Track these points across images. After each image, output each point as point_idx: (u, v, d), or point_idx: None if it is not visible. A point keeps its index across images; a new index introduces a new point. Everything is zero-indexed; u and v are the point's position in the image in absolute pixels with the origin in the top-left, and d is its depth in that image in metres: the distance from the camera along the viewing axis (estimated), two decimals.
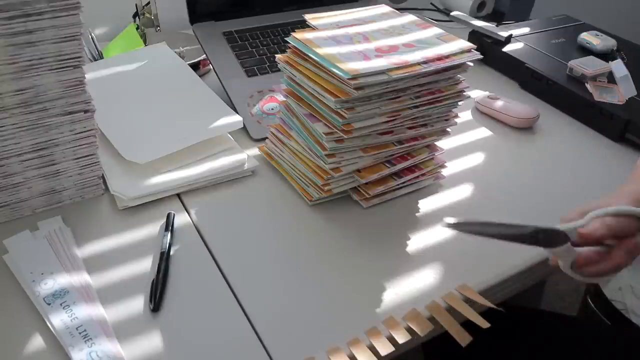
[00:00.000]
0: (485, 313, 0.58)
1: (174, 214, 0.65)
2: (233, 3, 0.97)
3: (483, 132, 0.87)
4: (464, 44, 0.67)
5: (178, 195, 0.70)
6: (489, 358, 0.71)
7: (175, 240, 0.63)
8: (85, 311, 0.53)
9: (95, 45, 0.92)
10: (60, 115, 0.61)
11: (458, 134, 0.84)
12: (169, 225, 0.63)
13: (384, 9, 0.75)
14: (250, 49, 0.91)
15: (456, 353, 0.75)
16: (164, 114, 0.77)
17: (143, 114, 0.77)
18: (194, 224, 0.66)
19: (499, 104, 0.90)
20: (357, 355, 0.51)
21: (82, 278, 0.57)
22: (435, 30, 0.69)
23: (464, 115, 0.90)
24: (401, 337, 0.53)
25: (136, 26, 0.99)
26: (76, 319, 0.52)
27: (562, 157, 0.83)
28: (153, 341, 0.52)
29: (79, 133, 0.63)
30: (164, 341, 0.52)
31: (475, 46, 0.67)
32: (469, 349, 0.62)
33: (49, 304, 0.53)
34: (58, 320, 0.52)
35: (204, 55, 0.92)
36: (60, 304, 0.53)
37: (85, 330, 0.51)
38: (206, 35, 0.91)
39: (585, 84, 0.91)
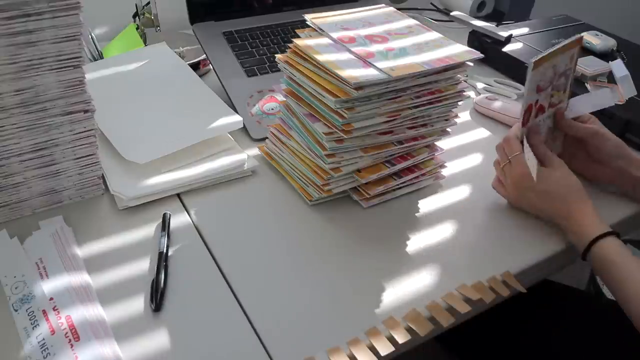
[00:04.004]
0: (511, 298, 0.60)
1: (169, 215, 0.65)
2: (233, 3, 0.97)
3: (482, 133, 0.87)
4: (464, 47, 0.67)
5: (178, 195, 0.70)
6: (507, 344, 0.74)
7: (175, 240, 0.63)
8: (78, 312, 0.53)
9: (95, 45, 0.92)
10: (60, 115, 0.61)
11: (458, 134, 0.84)
12: (165, 226, 0.63)
13: (387, 9, 0.75)
14: (250, 49, 0.91)
15: (471, 342, 0.78)
16: (164, 114, 0.77)
17: (143, 114, 0.77)
18: (194, 224, 0.66)
19: (497, 104, 0.90)
20: (357, 355, 0.51)
21: (82, 278, 0.57)
22: (435, 34, 0.70)
23: (463, 116, 0.90)
24: (401, 337, 0.53)
25: (136, 26, 0.99)
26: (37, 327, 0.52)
27: None
28: (154, 341, 0.52)
29: (79, 133, 0.63)
30: (165, 341, 0.52)
31: (477, 52, 0.67)
32: (484, 338, 0.68)
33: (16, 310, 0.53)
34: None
35: (204, 55, 0.92)
36: (26, 310, 0.53)
37: (43, 339, 0.50)
38: (206, 35, 0.91)
39: (585, 84, 0.91)
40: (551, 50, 0.63)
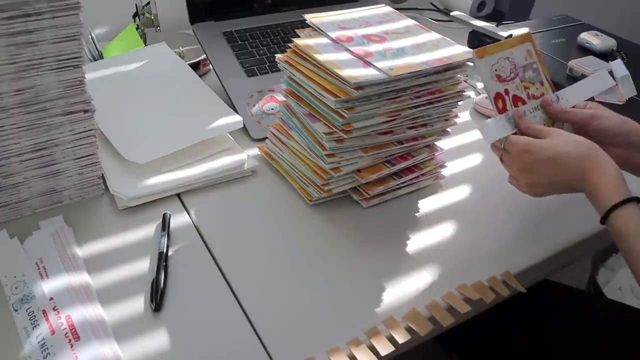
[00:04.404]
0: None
1: (169, 215, 0.65)
2: (233, 3, 0.97)
3: None
4: (464, 48, 0.67)
5: (178, 195, 0.70)
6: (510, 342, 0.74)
7: (175, 240, 0.63)
8: (78, 312, 0.53)
9: (95, 45, 0.92)
10: (60, 115, 0.61)
11: (458, 134, 0.84)
12: (165, 226, 0.63)
13: (385, 9, 0.75)
14: (250, 49, 0.91)
15: (471, 342, 0.78)
16: (164, 114, 0.77)
17: (143, 114, 0.77)
18: (194, 224, 0.66)
19: None
20: (357, 355, 0.51)
21: (82, 278, 0.57)
22: (433, 35, 0.70)
23: (463, 116, 0.90)
24: (401, 337, 0.53)
25: (136, 26, 0.99)
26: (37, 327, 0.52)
27: None
28: (154, 341, 0.52)
29: (79, 133, 0.63)
30: (165, 341, 0.52)
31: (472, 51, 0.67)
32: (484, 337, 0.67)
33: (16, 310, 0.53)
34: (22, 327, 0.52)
35: (204, 55, 0.92)
36: (26, 310, 0.53)
37: (43, 339, 0.50)
38: (206, 35, 0.91)
39: None
40: (494, 43, 0.66)
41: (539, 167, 0.60)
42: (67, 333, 0.51)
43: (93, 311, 0.53)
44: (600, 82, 0.71)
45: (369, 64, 0.61)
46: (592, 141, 0.62)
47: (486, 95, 0.93)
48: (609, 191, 0.57)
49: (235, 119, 0.76)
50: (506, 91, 0.65)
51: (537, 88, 0.68)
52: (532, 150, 0.60)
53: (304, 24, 0.70)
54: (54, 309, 0.53)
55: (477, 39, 1.06)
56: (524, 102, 0.66)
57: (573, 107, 0.68)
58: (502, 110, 0.65)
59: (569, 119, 0.67)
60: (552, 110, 0.67)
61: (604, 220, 0.57)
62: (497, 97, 0.65)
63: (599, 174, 0.57)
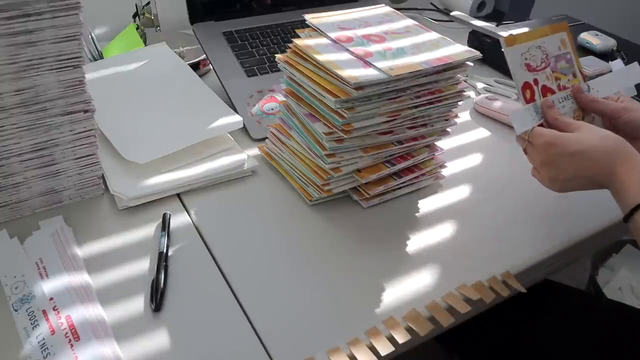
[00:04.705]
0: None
1: (169, 215, 0.65)
2: (233, 3, 0.97)
3: (482, 133, 0.87)
4: (464, 47, 0.67)
5: (178, 195, 0.70)
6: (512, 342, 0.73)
7: (175, 240, 0.63)
8: (78, 312, 0.53)
9: (95, 45, 0.92)
10: (60, 115, 0.61)
11: (458, 134, 0.84)
12: (165, 226, 0.63)
13: (385, 9, 0.75)
14: (250, 49, 0.91)
15: (471, 342, 0.78)
16: (164, 114, 0.77)
17: (143, 114, 0.77)
18: (194, 224, 0.66)
19: (497, 104, 0.90)
20: (357, 355, 0.51)
21: (82, 278, 0.57)
22: (433, 35, 0.70)
23: (463, 116, 0.90)
24: (401, 337, 0.53)
25: (136, 26, 0.99)
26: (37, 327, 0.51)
27: None
28: (154, 341, 0.52)
29: (79, 133, 0.63)
30: (165, 341, 0.52)
31: (477, 52, 0.67)
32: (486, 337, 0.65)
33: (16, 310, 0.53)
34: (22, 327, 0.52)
35: (204, 55, 0.92)
36: (26, 310, 0.53)
37: (43, 339, 0.50)
38: (206, 35, 0.91)
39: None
40: (525, 32, 0.65)
41: (564, 162, 0.59)
42: (67, 333, 0.51)
43: (93, 311, 0.53)
44: (632, 74, 0.70)
45: (369, 64, 0.61)
46: (621, 135, 0.60)
47: (487, 95, 0.94)
48: (635, 188, 0.55)
49: (235, 119, 0.76)
50: (535, 81, 0.64)
51: (569, 80, 0.67)
52: (558, 143, 0.59)
53: (304, 24, 0.70)
54: (54, 309, 0.53)
55: (477, 39, 1.06)
56: (553, 93, 0.65)
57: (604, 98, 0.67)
58: (530, 101, 0.64)
59: (600, 109, 0.66)
60: (583, 99, 0.66)
61: (627, 217, 0.56)
62: (526, 86, 0.64)
63: (628, 169, 0.56)
